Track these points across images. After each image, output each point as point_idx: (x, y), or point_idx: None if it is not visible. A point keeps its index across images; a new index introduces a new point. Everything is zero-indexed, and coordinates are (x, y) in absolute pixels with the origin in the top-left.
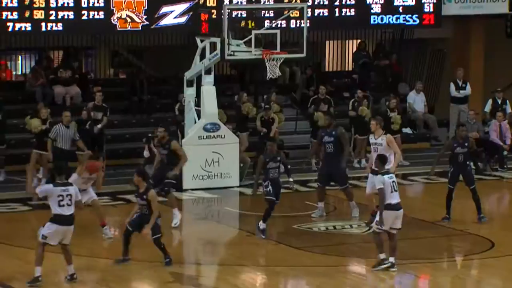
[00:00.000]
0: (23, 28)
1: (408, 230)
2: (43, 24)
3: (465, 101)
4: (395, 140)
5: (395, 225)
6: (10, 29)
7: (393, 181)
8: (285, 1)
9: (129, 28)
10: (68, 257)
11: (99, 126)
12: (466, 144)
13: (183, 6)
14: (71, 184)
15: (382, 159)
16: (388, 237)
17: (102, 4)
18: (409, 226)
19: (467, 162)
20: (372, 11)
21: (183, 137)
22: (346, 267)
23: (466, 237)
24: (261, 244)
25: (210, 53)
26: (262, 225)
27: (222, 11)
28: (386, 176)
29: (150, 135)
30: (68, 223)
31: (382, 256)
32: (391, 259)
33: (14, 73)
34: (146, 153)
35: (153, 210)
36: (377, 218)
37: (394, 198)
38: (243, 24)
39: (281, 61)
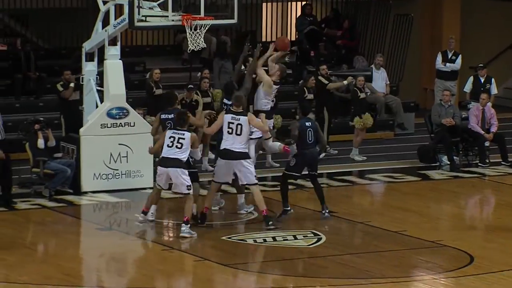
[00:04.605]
0: None
1: (367, 242)
2: None
3: (454, 77)
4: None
5: None
6: None
7: None
8: None
9: None
10: None
11: None
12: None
13: None
14: None
15: None
16: None
17: None
18: (368, 236)
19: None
20: None
21: (70, 126)
22: None
23: (438, 250)
24: (181, 260)
25: (116, 19)
26: None
27: None
28: None
29: (41, 118)
30: None
31: None
32: None
33: None
34: (41, 142)
35: None
36: None
37: None
38: None
39: (206, 28)
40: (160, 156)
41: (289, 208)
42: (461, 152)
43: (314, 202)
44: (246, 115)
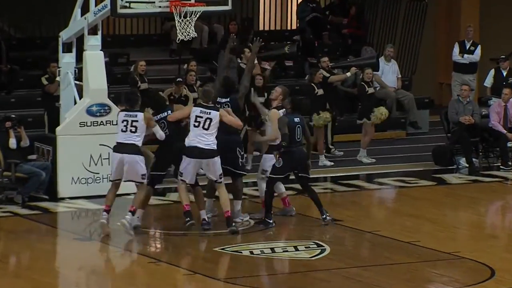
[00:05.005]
0: None
1: (376, 253)
2: None
3: (473, 70)
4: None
5: None
6: None
7: None
8: None
9: None
10: None
11: None
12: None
13: None
14: None
15: None
16: None
17: None
18: (377, 247)
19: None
20: None
21: (55, 124)
22: None
23: (455, 262)
24: (170, 274)
25: (96, 5)
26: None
27: None
28: None
29: (13, 116)
30: None
31: None
32: None
33: None
34: (13, 142)
35: None
36: None
37: None
38: None
39: (197, 16)
40: (115, 142)
41: (271, 221)
42: (481, 153)
43: (317, 209)
44: (217, 110)
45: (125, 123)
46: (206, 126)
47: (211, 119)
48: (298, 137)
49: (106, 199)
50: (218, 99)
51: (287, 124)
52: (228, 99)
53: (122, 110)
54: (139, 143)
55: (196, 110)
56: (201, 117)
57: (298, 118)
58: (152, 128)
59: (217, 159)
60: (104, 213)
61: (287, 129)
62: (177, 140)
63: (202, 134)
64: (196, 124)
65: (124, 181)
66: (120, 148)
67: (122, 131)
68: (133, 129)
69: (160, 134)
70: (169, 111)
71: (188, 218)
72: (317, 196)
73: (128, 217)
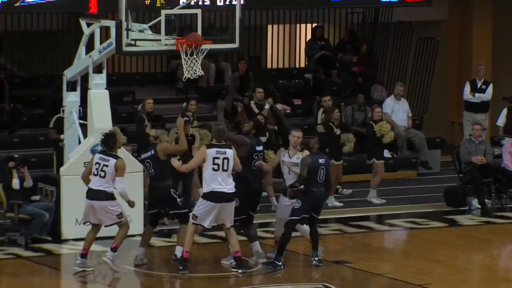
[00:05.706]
0: None
1: None
2: None
3: (484, 109)
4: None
5: None
6: None
7: None
8: None
9: None
10: None
11: None
12: None
13: None
14: None
15: None
16: None
17: None
18: None
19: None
20: None
21: (61, 163)
22: None
23: None
24: None
25: (101, 43)
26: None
27: None
28: None
29: (16, 156)
30: None
31: None
32: None
33: None
34: (16, 182)
35: None
36: None
37: None
38: (148, 0)
39: (204, 54)
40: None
41: (280, 263)
42: (493, 194)
43: (326, 251)
44: (231, 148)
45: (97, 166)
46: (225, 168)
47: (228, 159)
48: (321, 178)
49: (85, 242)
50: (257, 148)
51: (309, 165)
52: (261, 148)
53: (99, 152)
54: (109, 189)
55: (212, 152)
56: (218, 158)
57: (323, 159)
58: (117, 177)
59: (234, 202)
60: (80, 258)
61: (307, 170)
62: (162, 179)
63: (223, 177)
64: (216, 167)
65: (105, 226)
66: (90, 194)
67: (94, 174)
68: (102, 173)
69: (120, 187)
70: (153, 151)
71: (181, 267)
72: (318, 238)
73: (108, 254)
